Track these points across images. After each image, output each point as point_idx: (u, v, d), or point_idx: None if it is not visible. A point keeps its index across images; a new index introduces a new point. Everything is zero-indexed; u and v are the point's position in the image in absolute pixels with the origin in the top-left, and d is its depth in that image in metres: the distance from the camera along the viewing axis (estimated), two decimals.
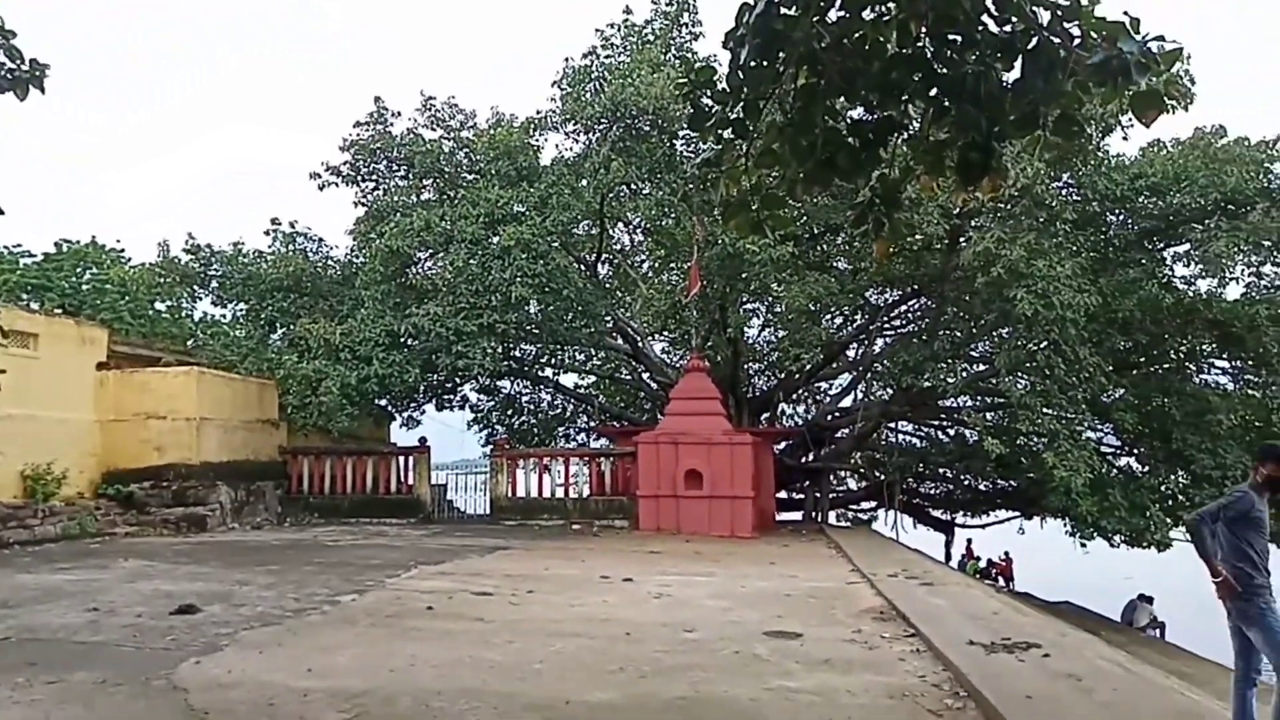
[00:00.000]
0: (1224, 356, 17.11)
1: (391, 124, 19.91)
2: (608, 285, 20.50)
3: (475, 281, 16.59)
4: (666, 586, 9.75)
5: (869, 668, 6.16)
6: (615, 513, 17.27)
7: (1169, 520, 15.84)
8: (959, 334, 19.27)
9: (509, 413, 24.66)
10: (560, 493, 18.38)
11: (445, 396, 22.40)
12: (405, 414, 21.72)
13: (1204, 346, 17.16)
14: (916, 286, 19.93)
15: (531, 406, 25.22)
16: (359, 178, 20.13)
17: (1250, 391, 16.86)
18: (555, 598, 9.02)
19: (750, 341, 22.48)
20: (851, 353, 22.82)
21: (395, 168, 20.06)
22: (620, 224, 21.47)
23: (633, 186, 19.08)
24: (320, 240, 21.59)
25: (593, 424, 24.30)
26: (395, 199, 19.34)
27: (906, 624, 7.56)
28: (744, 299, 19.67)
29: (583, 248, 20.07)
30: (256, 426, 17.73)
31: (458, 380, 20.87)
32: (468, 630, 7.39)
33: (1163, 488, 16.95)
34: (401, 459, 19.16)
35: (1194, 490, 15.47)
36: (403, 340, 17.31)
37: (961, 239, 16.30)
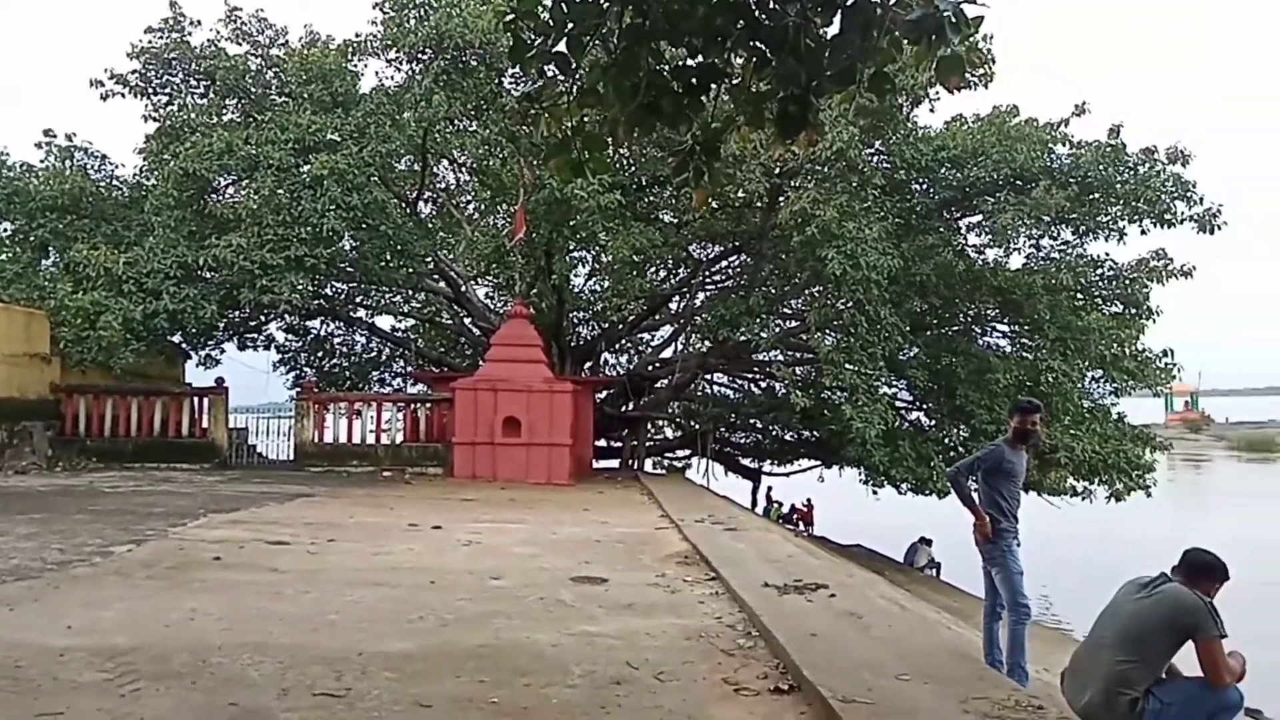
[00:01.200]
0: (1004, 321, 18.71)
1: (190, 33, 18.05)
2: (430, 225, 19.73)
3: (283, 212, 15.47)
4: (477, 534, 9.61)
5: (670, 610, 6.31)
6: (430, 460, 16.87)
7: (949, 469, 17.30)
8: (774, 290, 20.01)
9: (319, 354, 23.45)
10: (372, 439, 17.72)
11: (248, 335, 20.98)
12: (202, 352, 20.15)
13: (988, 311, 18.67)
14: (737, 243, 20.49)
15: (344, 349, 24.09)
16: (150, 90, 18.16)
17: (1025, 354, 18.49)
18: (358, 546, 8.68)
19: (576, 290, 22.41)
20: (674, 305, 23.26)
21: (193, 82, 18.25)
22: (445, 162, 20.66)
23: (458, 123, 18.35)
24: (103, 157, 19.48)
25: (409, 369, 23.55)
26: (193, 117, 17.60)
27: (709, 568, 7.81)
28: (570, 247, 19.51)
29: (404, 184, 19.17)
30: (22, 361, 15.90)
31: (263, 318, 19.58)
32: (258, 581, 6.96)
33: (946, 440, 18.46)
34: (195, 400, 17.79)
35: (973, 443, 16.91)
36: (199, 273, 15.95)
37: (780, 198, 16.84)
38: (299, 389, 19.00)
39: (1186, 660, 3.85)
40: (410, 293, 22.47)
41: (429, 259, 19.09)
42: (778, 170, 15.79)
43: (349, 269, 18.18)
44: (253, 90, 18.03)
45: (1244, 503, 36.57)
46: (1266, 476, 46.79)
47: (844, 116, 14.53)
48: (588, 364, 23.03)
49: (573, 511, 12.08)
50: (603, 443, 23.65)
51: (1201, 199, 15.87)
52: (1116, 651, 3.61)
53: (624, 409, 23.36)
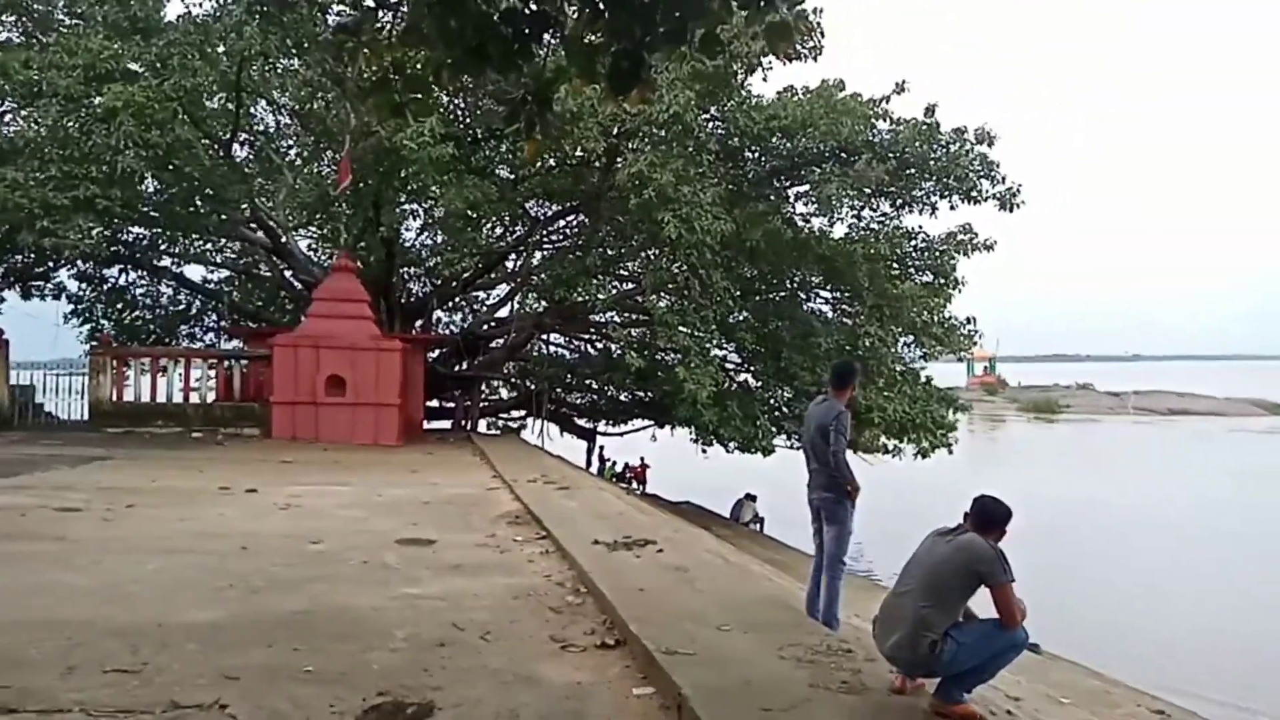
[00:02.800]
0: (827, 288, 19.59)
1: None
2: (246, 169, 18.34)
3: (71, 146, 13.94)
4: (296, 497, 9.14)
5: (499, 570, 6.25)
6: (245, 420, 15.89)
7: (774, 429, 18.05)
8: (611, 252, 20.07)
9: (119, 306, 21.46)
10: (180, 398, 16.46)
11: (33, 283, 18.91)
12: None
13: (813, 278, 19.48)
14: (575, 202, 20.34)
15: (147, 300, 22.15)
16: None
17: (845, 320, 19.44)
18: (161, 512, 8.06)
19: (407, 244, 21.59)
20: (510, 263, 22.87)
21: None
22: (264, 103, 19.21)
23: (277, 61, 17.08)
24: None
25: (223, 323, 22.00)
26: None
27: (540, 527, 7.79)
28: (401, 199, 18.73)
29: (216, 123, 17.69)
30: None
31: (49, 264, 17.67)
32: (44, 552, 6.34)
33: (771, 401, 19.24)
34: None
35: (795, 404, 17.72)
36: None
37: (618, 159, 16.82)
38: (94, 343, 17.36)
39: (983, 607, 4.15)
40: (223, 241, 20.93)
41: (244, 206, 17.78)
42: (616, 130, 15.73)
43: (151, 213, 16.68)
44: (35, 8, 16.06)
45: (1029, 458, 40.49)
46: (1047, 434, 51.91)
47: (680, 80, 14.65)
48: (419, 322, 22.32)
49: (401, 473, 11.74)
50: (435, 403, 23.09)
51: (1004, 178, 17.19)
52: (918, 597, 3.86)
53: (457, 369, 22.87)
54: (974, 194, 17.06)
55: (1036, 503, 23.78)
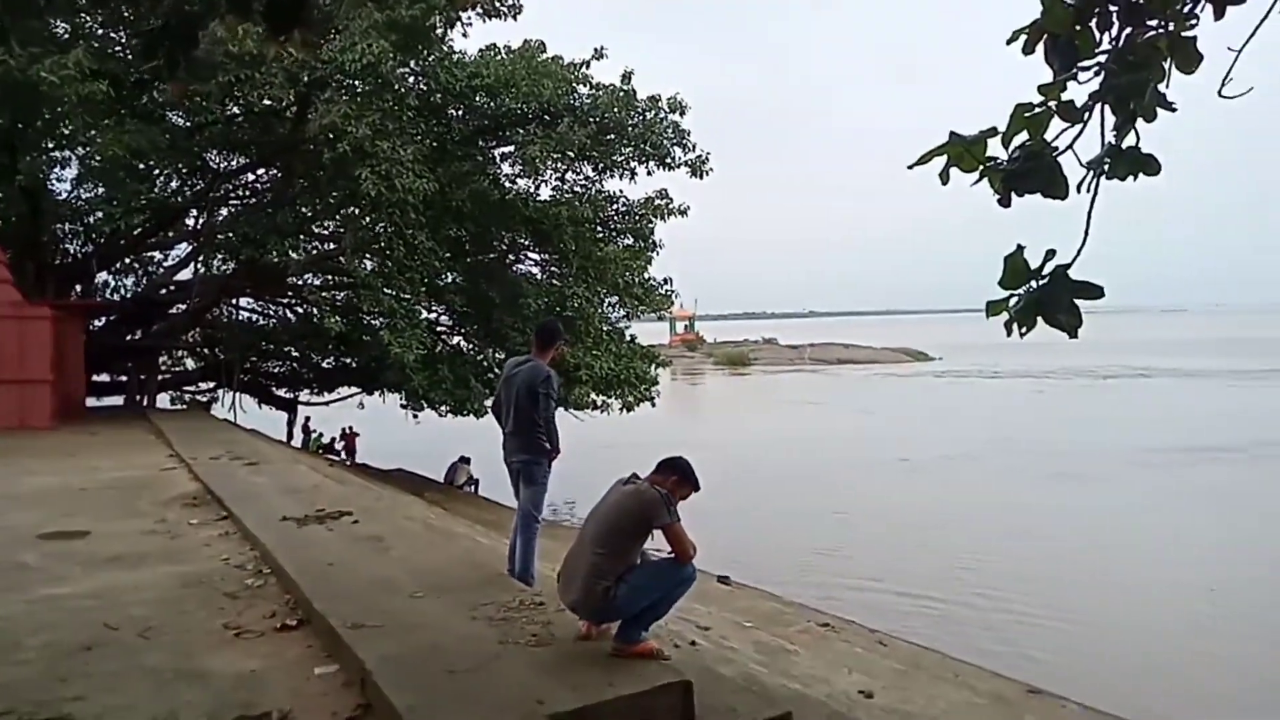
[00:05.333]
0: (535, 250, 19.73)
1: None
2: None
3: None
4: None
5: (167, 558, 5.68)
6: None
7: (487, 391, 17.98)
8: (305, 210, 18.74)
9: None
10: None
11: None
12: None
13: (521, 240, 19.52)
14: (264, 155, 18.69)
15: None
16: None
17: (554, 282, 19.71)
18: None
19: (60, 197, 18.67)
20: (191, 220, 20.61)
21: None
22: None
23: None
24: None
25: None
26: None
27: (221, 507, 7.19)
28: (47, 144, 16.13)
29: None
30: None
31: None
32: None
33: (483, 363, 19.14)
34: None
35: None
36: None
37: (310, 110, 15.65)
38: None
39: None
40: None
41: None
42: (305, 78, 14.60)
43: None
44: None
45: (725, 405, 43.96)
46: (740, 384, 56.57)
47: (374, 28, 13.90)
48: (79, 286, 19.51)
49: (54, 458, 10.27)
50: (105, 378, 20.44)
51: (694, 146, 18.22)
52: (594, 545, 4.03)
53: (130, 338, 20.35)
54: (668, 160, 17.92)
55: (732, 444, 26.00)
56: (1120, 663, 9.68)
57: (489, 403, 18.00)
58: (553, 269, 19.56)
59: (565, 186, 18.81)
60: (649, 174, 18.33)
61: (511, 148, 18.09)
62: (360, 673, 3.70)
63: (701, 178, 18.04)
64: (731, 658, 6.41)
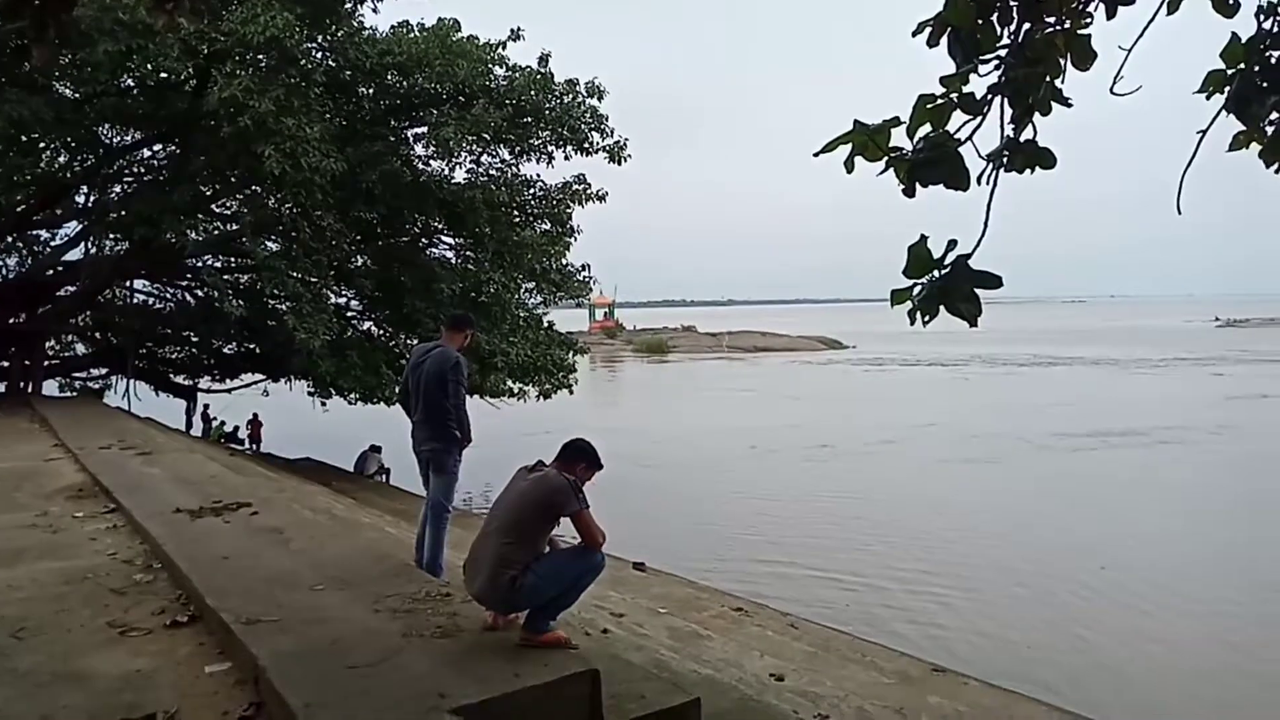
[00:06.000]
0: (449, 233, 19.34)
1: None
2: None
3: None
4: None
5: (48, 554, 5.36)
6: None
7: (398, 378, 17.56)
8: (205, 188, 17.94)
9: None
10: None
11: None
12: None
13: (435, 223, 19.09)
14: (161, 130, 17.79)
15: None
16: None
17: (469, 266, 19.38)
18: None
19: None
20: (81, 198, 19.51)
21: None
22: None
23: None
24: None
25: None
26: None
27: (109, 499, 6.83)
28: None
29: None
30: None
31: None
32: None
33: (395, 349, 18.70)
34: None
35: None
36: None
37: (210, 84, 14.95)
38: None
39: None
40: None
41: None
42: (204, 50, 13.92)
43: None
44: None
45: (643, 393, 44.17)
46: (659, 372, 56.89)
47: (279, 1, 13.37)
48: None
49: None
50: None
51: (613, 131, 18.10)
52: (500, 535, 3.97)
53: (12, 321, 19.19)
54: (586, 145, 17.77)
55: (652, 431, 26.12)
56: (1019, 638, 10.10)
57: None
58: (468, 253, 19.21)
59: (480, 169, 18.48)
60: (566, 159, 18.17)
61: (425, 129, 17.64)
62: (254, 670, 3.55)
63: (620, 163, 17.96)
64: (643, 644, 6.42)
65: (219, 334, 19.35)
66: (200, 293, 20.73)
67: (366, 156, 16.32)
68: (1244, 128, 2.64)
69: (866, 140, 2.44)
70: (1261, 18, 2.55)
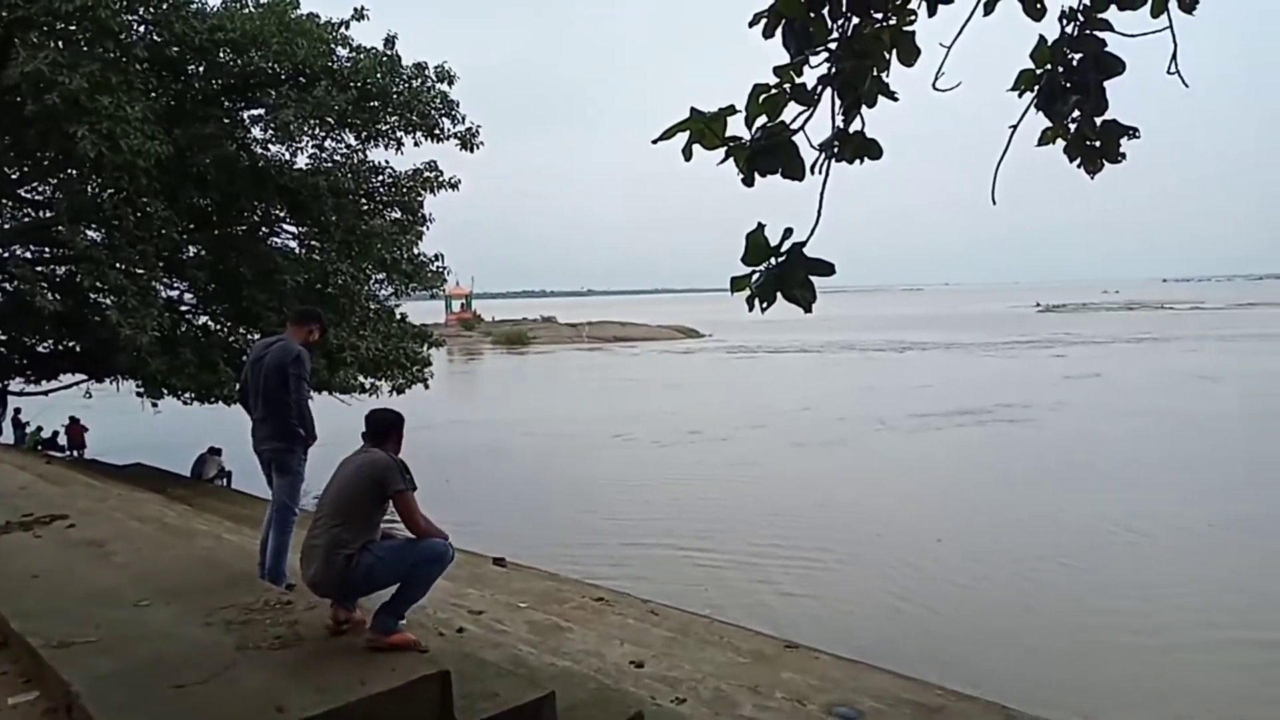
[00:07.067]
0: (292, 222, 18.39)
1: None
2: None
3: None
4: None
5: None
6: None
7: (238, 375, 16.63)
8: (12, 171, 16.35)
9: None
10: None
11: None
12: None
13: (276, 211, 18.11)
14: None
15: None
16: None
17: (314, 257, 18.52)
18: None
19: None
20: None
21: None
22: None
23: None
24: None
25: None
26: None
27: None
28: None
29: None
30: None
31: None
32: None
33: (234, 344, 17.66)
34: None
35: None
36: None
37: (12, 56, 13.59)
38: None
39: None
40: None
41: None
42: (4, 16, 12.64)
43: None
44: None
45: (504, 386, 43.65)
46: (520, 363, 56.45)
47: None
48: None
49: None
50: None
51: (464, 118, 17.68)
52: (332, 519, 3.87)
53: None
54: (437, 132, 17.29)
55: (512, 423, 25.85)
56: (864, 611, 10.62)
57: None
58: (313, 243, 18.36)
59: (324, 155, 17.68)
60: (416, 145, 17.65)
61: (263, 111, 16.72)
62: (66, 697, 3.25)
63: (472, 151, 17.59)
64: (501, 641, 6.33)
65: (31, 331, 17.70)
66: (8, 286, 18.88)
67: (197, 139, 15.30)
68: (1051, 124, 2.82)
69: (704, 128, 2.45)
70: (1064, 22, 2.73)
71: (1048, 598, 11.00)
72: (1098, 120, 2.75)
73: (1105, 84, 2.70)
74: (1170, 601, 10.75)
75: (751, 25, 2.74)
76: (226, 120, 16.79)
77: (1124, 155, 2.80)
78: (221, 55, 15.82)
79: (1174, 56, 2.56)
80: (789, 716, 6.13)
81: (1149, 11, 2.56)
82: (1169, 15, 2.51)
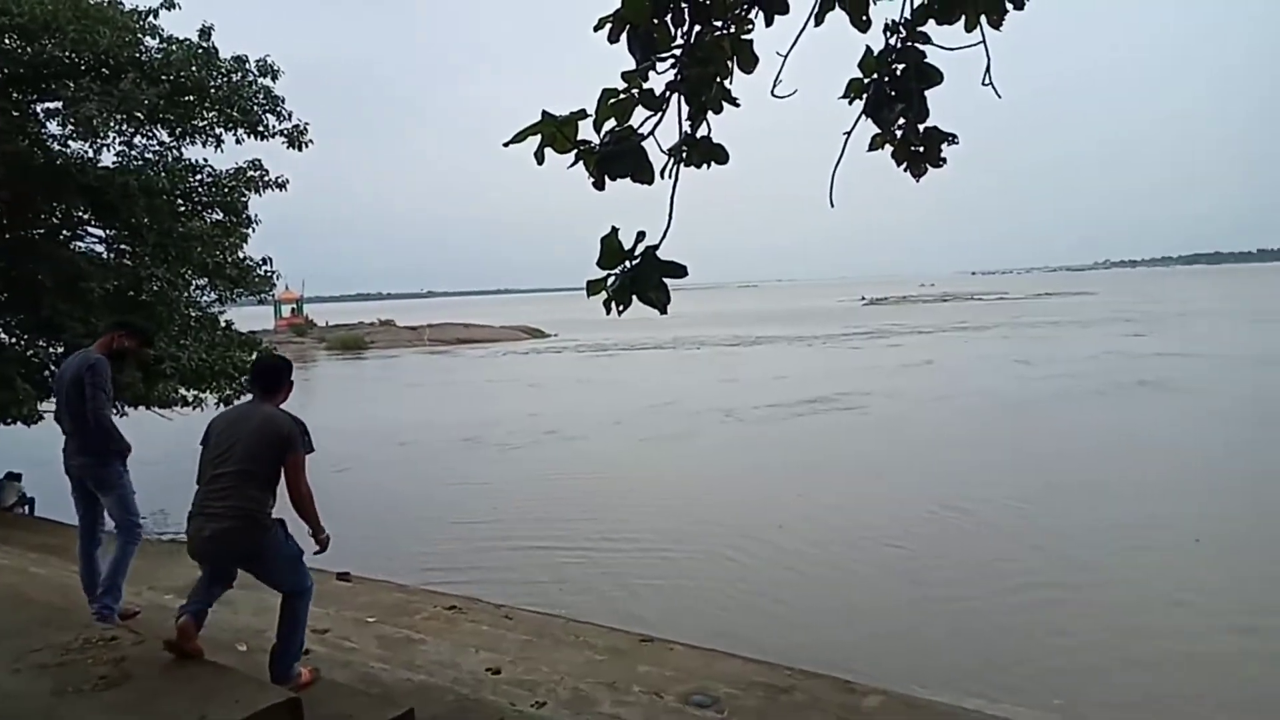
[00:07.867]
0: (99, 225, 16.90)
1: None
2: None
3: None
4: None
5: None
6: None
7: (38, 393, 15.16)
8: None
9: None
10: None
11: None
12: None
13: (79, 213, 16.58)
14: None
15: None
16: None
17: (125, 262, 17.13)
18: None
19: None
20: None
21: None
22: None
23: None
24: None
25: None
26: None
27: None
28: None
29: None
30: None
31: None
32: None
33: (33, 358, 16.08)
34: None
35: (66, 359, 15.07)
36: None
37: None
38: None
39: None
40: None
41: None
42: None
43: None
44: None
45: (340, 393, 41.91)
46: (358, 368, 54.44)
47: None
48: None
49: None
50: None
51: (290, 115, 16.77)
52: (242, 479, 3.78)
53: None
54: (261, 129, 16.35)
55: (351, 433, 24.85)
56: (714, 599, 10.95)
57: (43, 406, 15.30)
58: (123, 247, 16.95)
59: (134, 152, 16.33)
60: (239, 143, 16.61)
61: (60, 104, 15.27)
62: None
63: (300, 149, 16.75)
64: (350, 659, 6.10)
65: None
66: None
67: None
68: (879, 131, 3.00)
69: (555, 131, 2.45)
70: (888, 34, 2.91)
71: (880, 576, 11.71)
72: (921, 127, 2.95)
73: (926, 93, 2.90)
74: (985, 570, 11.70)
75: (597, 29, 2.76)
76: (16, 113, 15.23)
77: (945, 160, 3.02)
78: (8, 42, 14.36)
79: (988, 69, 2.78)
80: (647, 710, 6.24)
81: (963, 26, 2.77)
82: (982, 30, 2.72)
